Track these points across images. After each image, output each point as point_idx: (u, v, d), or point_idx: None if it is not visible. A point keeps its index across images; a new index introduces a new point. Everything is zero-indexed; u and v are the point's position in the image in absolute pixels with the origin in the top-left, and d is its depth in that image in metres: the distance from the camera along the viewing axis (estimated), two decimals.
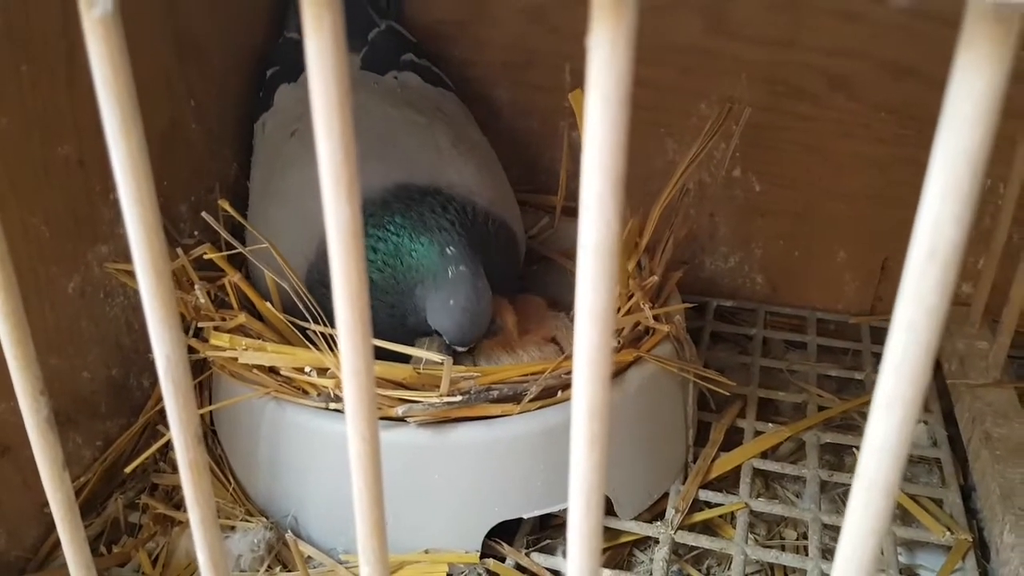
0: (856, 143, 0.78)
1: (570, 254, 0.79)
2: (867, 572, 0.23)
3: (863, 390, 0.75)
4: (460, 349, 0.58)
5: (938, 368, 0.77)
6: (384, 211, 0.59)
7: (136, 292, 0.64)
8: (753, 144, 0.80)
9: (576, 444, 0.24)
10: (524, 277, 0.74)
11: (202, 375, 0.66)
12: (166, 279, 0.26)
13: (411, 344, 0.57)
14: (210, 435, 0.65)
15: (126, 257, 0.63)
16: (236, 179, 0.76)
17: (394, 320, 0.59)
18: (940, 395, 0.74)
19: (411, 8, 0.84)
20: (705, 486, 0.64)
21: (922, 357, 0.19)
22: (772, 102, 0.78)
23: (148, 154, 0.25)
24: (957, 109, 0.17)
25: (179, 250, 0.58)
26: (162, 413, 0.68)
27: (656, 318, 0.60)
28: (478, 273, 0.57)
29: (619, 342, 0.58)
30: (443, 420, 0.54)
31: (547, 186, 0.86)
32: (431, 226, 0.58)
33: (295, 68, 0.73)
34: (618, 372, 0.58)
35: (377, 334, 0.58)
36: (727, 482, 0.66)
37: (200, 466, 0.30)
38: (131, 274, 0.62)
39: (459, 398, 0.52)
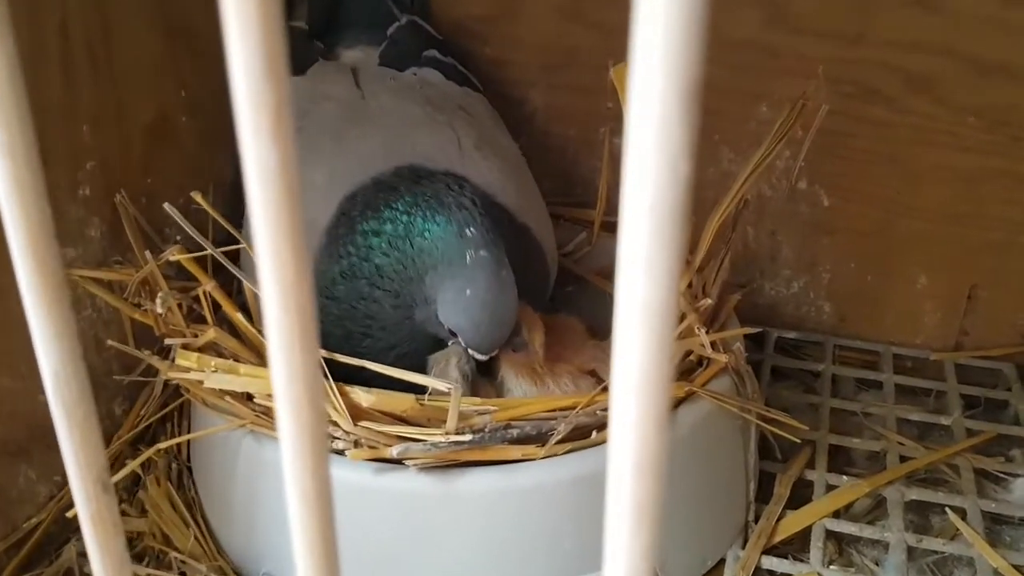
0: (939, 152, 0.71)
1: (609, 274, 0.71)
2: None
3: (950, 438, 0.68)
4: (480, 357, 0.52)
5: None
6: (387, 191, 0.53)
7: (108, 304, 0.57)
8: (820, 153, 0.72)
9: (616, 516, 0.16)
10: (556, 299, 0.68)
11: (180, 400, 0.58)
12: (50, 268, 0.20)
13: (420, 353, 0.51)
14: (185, 472, 0.57)
15: (97, 262, 0.56)
16: (236, 180, 0.69)
17: (398, 313, 0.52)
18: None
19: (437, 2, 0.79)
20: (769, 551, 0.57)
21: None
22: (841, 105, 0.71)
23: (24, 94, 0.18)
24: None
25: (148, 253, 0.50)
26: (133, 445, 0.61)
27: (712, 346, 0.51)
28: (502, 261, 0.50)
29: None
30: (450, 464, 0.46)
31: (584, 199, 0.80)
32: (448, 204, 0.51)
33: (301, 60, 0.69)
34: None
35: (380, 332, 0.50)
36: (794, 546, 0.58)
37: (107, 522, 0.23)
38: (101, 283, 0.55)
39: (470, 437, 0.44)
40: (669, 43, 0.12)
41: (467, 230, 0.50)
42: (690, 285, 0.60)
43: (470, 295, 0.49)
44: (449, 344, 0.52)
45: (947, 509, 0.59)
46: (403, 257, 0.51)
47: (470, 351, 0.51)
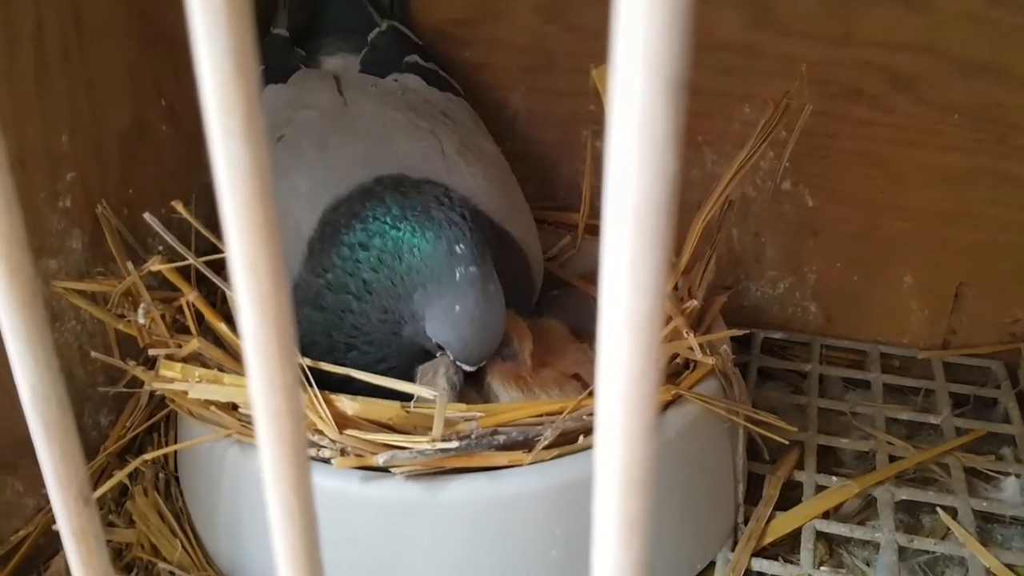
0: (923, 152, 0.70)
1: (593, 278, 0.70)
2: None
3: (940, 437, 0.67)
4: (467, 368, 0.51)
5: None
6: (373, 201, 0.51)
7: (92, 316, 0.57)
8: (804, 153, 0.72)
9: (604, 532, 0.15)
10: (541, 303, 0.67)
11: (166, 410, 0.57)
12: (23, 277, 0.19)
13: (408, 364, 0.51)
14: (173, 483, 0.56)
15: (79, 274, 0.55)
16: None
17: (385, 327, 0.51)
18: None
19: (416, 7, 0.78)
20: (759, 553, 0.56)
21: None
22: (825, 105, 0.70)
23: None
24: None
25: (130, 264, 0.49)
26: (120, 456, 0.60)
27: (699, 349, 0.50)
28: (490, 277, 0.49)
29: None
30: (436, 471, 0.45)
31: (567, 203, 0.79)
32: (438, 219, 0.50)
33: (284, 68, 0.68)
34: None
35: (367, 346, 0.50)
36: (784, 547, 0.58)
37: (90, 537, 0.23)
38: (84, 294, 0.54)
39: (456, 444, 0.43)
40: (651, 29, 0.11)
41: (457, 247, 0.49)
42: (676, 287, 0.59)
43: (459, 311, 0.48)
44: (437, 356, 0.51)
45: (938, 508, 0.58)
46: (392, 274, 0.50)
47: (458, 363, 0.51)
